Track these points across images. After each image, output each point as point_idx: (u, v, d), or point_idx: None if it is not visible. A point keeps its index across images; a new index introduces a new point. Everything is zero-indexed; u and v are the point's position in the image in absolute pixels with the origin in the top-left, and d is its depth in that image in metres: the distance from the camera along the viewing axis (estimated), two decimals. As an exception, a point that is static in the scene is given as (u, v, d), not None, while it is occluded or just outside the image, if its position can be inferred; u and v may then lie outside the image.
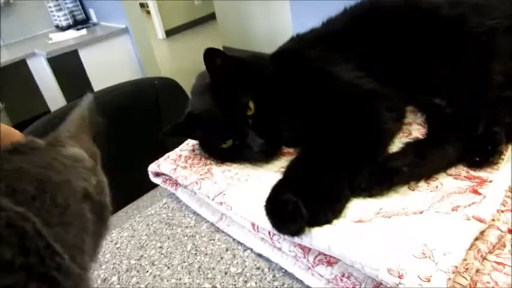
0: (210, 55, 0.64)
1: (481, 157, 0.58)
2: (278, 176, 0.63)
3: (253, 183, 0.63)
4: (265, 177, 0.64)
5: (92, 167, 0.40)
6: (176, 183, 0.73)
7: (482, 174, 0.58)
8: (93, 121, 0.45)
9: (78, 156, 0.40)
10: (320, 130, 0.65)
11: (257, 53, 0.76)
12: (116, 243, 0.68)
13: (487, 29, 0.73)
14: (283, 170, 0.64)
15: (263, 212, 0.55)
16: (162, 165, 0.73)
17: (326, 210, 0.51)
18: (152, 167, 0.75)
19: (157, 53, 4.35)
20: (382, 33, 0.76)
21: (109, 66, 3.61)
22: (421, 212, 0.52)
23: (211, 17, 5.66)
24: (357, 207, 0.54)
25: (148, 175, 0.77)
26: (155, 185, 0.90)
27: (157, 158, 0.76)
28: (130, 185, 0.79)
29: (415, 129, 0.70)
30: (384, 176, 0.57)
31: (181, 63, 5.33)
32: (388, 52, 0.74)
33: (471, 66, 0.70)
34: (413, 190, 0.57)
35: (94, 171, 0.40)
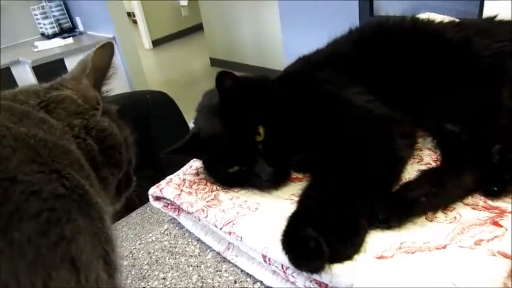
0: (221, 77, 0.62)
1: (499, 186, 0.57)
2: (289, 204, 0.61)
3: (263, 213, 0.60)
4: (276, 205, 0.61)
5: (80, 110, 0.44)
6: (179, 209, 0.69)
7: (500, 204, 0.56)
8: (98, 66, 0.50)
9: (62, 98, 0.44)
10: (331, 157, 0.63)
11: (265, 75, 0.74)
12: (115, 274, 0.64)
13: (492, 52, 0.73)
14: (294, 197, 0.62)
15: (277, 245, 0.52)
16: (165, 190, 0.69)
17: (347, 245, 0.49)
18: (153, 191, 0.71)
19: (144, 63, 4.31)
20: (390, 55, 0.75)
21: (95, 76, 3.53)
22: (444, 247, 0.50)
23: (199, 27, 5.65)
24: (376, 240, 0.52)
25: (136, 190, 0.73)
26: (144, 202, 0.87)
27: (146, 173, 0.72)
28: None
29: (426, 155, 0.69)
30: (402, 207, 0.55)
31: (167, 74, 5.29)
32: (397, 75, 0.73)
33: (481, 91, 0.70)
34: (431, 221, 0.55)
35: (82, 113, 0.44)
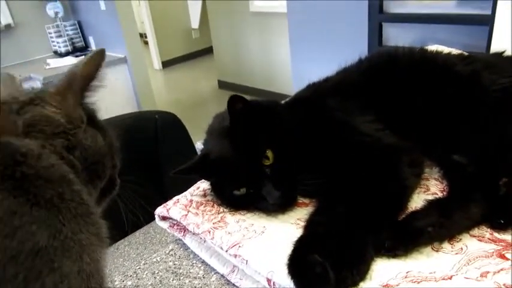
0: (233, 100, 0.63)
1: (505, 219, 0.57)
2: (295, 229, 0.61)
3: (269, 236, 0.60)
4: (282, 230, 0.61)
5: (61, 130, 0.41)
6: (184, 229, 0.69)
7: (506, 237, 0.56)
8: (85, 77, 0.44)
9: (39, 118, 0.40)
10: (338, 183, 0.64)
11: (275, 100, 0.75)
12: (118, 293, 0.64)
13: (500, 87, 0.74)
14: (301, 222, 0.62)
15: (282, 269, 0.52)
16: (172, 210, 0.70)
17: (353, 272, 0.49)
18: (160, 211, 0.72)
19: (153, 83, 4.37)
20: (400, 85, 0.76)
21: (105, 94, 3.55)
22: (450, 278, 0.50)
23: (209, 50, 5.75)
24: (382, 268, 0.52)
25: (140, 210, 0.73)
26: (147, 222, 0.87)
27: (152, 194, 0.73)
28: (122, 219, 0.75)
29: (432, 185, 0.69)
30: (409, 236, 0.55)
31: (175, 95, 5.35)
32: (406, 105, 0.74)
33: (489, 125, 0.70)
34: (437, 251, 0.55)
35: (64, 133, 0.41)
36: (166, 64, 6.30)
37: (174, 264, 0.67)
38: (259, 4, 4.23)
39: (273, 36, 4.22)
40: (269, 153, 0.64)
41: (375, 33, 1.71)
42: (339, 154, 0.66)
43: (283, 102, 0.78)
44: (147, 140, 1.52)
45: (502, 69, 0.78)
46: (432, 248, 0.56)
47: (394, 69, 0.80)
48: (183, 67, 6.29)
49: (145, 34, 6.27)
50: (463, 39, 1.56)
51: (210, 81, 5.31)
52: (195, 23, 6.23)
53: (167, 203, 0.73)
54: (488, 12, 1.34)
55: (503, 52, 0.87)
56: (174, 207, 0.70)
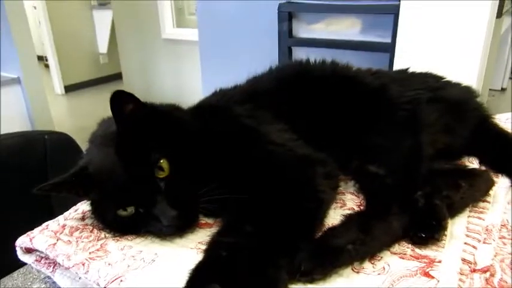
0: (119, 99, 0.51)
1: (426, 233, 0.53)
2: (195, 255, 0.50)
3: (162, 266, 0.48)
4: (179, 256, 0.50)
5: None
6: (54, 263, 0.54)
7: (428, 252, 0.52)
8: None
9: None
10: (247, 199, 0.54)
11: (175, 105, 0.64)
12: None
13: (408, 99, 0.73)
14: (202, 246, 0.51)
15: (175, 308, 0.41)
16: (37, 239, 0.54)
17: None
18: (22, 241, 0.55)
19: (54, 108, 3.98)
20: (311, 96, 0.72)
21: (-10, 118, 3.16)
22: (375, 303, 0.42)
23: (118, 76, 5.48)
24: (298, 297, 0.43)
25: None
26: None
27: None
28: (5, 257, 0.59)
29: (349, 199, 0.63)
30: (327, 256, 0.47)
31: (80, 121, 4.93)
32: (317, 116, 0.69)
33: (400, 137, 0.68)
34: (358, 272, 0.48)
35: None
36: (69, 89, 5.84)
37: (36, 311, 0.51)
38: (171, 31, 4.16)
39: (185, 64, 4.16)
40: (164, 164, 0.52)
41: (285, 57, 1.71)
42: (247, 165, 0.57)
43: (186, 108, 0.67)
44: (35, 164, 1.32)
45: (408, 83, 0.79)
46: (353, 269, 0.49)
47: (305, 80, 0.76)
48: (90, 92, 5.88)
49: (46, 57, 5.79)
50: (367, 64, 1.63)
51: (118, 108, 5.02)
52: (103, 48, 5.93)
53: (33, 230, 0.57)
54: (388, 40, 1.42)
55: (407, 69, 0.89)
56: (39, 236, 0.54)
